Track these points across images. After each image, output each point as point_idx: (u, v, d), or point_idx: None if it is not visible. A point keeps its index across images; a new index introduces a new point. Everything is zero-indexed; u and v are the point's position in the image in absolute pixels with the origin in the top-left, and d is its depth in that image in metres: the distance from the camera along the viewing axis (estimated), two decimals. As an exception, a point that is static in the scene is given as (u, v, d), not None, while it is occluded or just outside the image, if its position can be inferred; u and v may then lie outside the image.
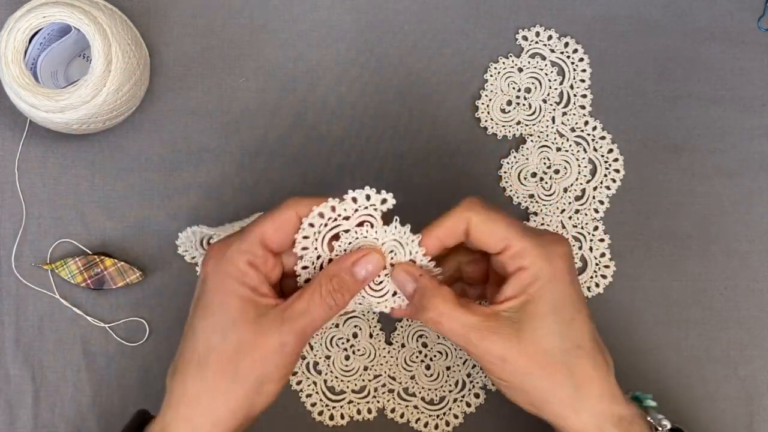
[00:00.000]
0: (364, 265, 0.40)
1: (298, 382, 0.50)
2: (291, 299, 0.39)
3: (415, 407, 0.50)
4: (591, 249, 0.51)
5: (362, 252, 0.40)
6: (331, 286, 0.39)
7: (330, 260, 0.42)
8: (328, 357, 0.50)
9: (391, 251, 0.42)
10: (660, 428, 0.40)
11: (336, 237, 0.41)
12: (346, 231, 0.41)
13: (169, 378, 0.39)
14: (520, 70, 0.52)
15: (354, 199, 0.40)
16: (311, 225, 0.40)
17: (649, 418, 0.40)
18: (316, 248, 0.41)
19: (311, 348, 0.50)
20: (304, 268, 0.42)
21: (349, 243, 0.41)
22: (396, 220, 0.41)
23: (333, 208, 0.40)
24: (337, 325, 0.50)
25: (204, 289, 0.39)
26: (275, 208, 0.40)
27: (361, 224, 0.41)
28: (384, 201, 0.40)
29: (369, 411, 0.50)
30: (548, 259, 0.39)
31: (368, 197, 0.40)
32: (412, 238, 0.41)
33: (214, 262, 0.39)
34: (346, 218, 0.41)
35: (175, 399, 0.38)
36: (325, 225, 0.41)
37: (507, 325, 0.38)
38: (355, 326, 0.51)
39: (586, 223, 0.51)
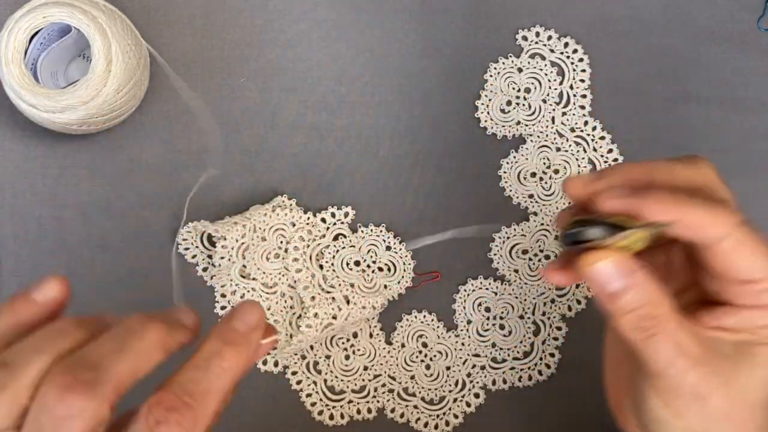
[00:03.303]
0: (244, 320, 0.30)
1: (298, 382, 0.50)
2: None
3: (415, 407, 0.50)
4: (591, 249, 0.51)
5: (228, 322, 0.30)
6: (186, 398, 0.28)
7: (324, 277, 0.49)
8: (328, 357, 0.50)
9: (369, 249, 0.48)
10: None
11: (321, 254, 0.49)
12: (327, 247, 0.50)
13: None
14: (520, 70, 0.52)
15: (323, 220, 0.50)
16: (296, 248, 0.49)
17: None
18: (308, 268, 0.49)
19: (311, 348, 0.50)
20: (305, 288, 0.48)
21: (333, 257, 0.49)
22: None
23: (309, 231, 0.49)
24: (337, 325, 0.51)
25: None
26: (129, 342, 0.27)
27: (336, 238, 0.50)
28: (347, 214, 0.50)
29: (369, 411, 0.50)
30: None
31: (333, 215, 0.50)
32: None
33: None
34: (322, 236, 0.50)
35: None
36: (308, 246, 0.49)
37: (721, 361, 0.31)
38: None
39: (586, 223, 0.51)
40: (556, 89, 0.52)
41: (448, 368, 0.51)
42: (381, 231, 0.51)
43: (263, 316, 0.31)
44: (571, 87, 0.52)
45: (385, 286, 0.50)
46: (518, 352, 0.51)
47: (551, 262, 0.35)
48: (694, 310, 0.33)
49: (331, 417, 0.50)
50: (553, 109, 0.52)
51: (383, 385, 0.50)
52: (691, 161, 0.34)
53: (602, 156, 0.52)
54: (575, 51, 0.52)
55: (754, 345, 0.32)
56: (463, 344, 0.51)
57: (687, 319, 0.32)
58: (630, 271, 0.30)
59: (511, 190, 0.52)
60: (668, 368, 0.31)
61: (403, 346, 0.51)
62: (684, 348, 0.31)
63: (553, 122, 0.52)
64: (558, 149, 0.52)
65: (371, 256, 0.50)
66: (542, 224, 0.51)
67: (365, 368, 0.50)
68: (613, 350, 0.38)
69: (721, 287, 0.32)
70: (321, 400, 0.50)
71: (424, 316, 0.51)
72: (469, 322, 0.51)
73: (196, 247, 0.50)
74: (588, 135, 0.52)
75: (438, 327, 0.51)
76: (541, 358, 0.50)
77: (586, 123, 0.52)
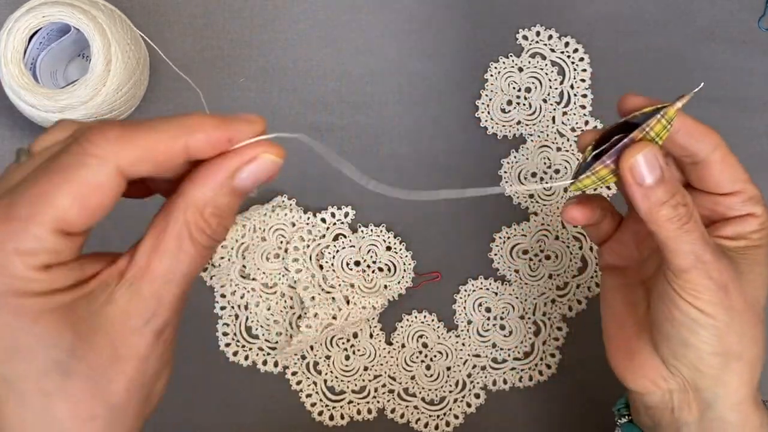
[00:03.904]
0: (251, 172, 0.27)
1: (298, 382, 0.50)
2: (142, 256, 0.26)
3: (415, 407, 0.50)
4: (591, 249, 0.51)
5: (240, 155, 0.27)
6: (203, 222, 0.26)
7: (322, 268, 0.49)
8: (328, 357, 0.50)
9: (369, 249, 0.47)
10: None
11: (320, 255, 0.50)
12: (327, 247, 0.50)
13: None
14: (521, 69, 0.52)
15: (323, 220, 0.50)
16: (296, 248, 0.49)
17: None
18: (308, 268, 0.49)
19: (311, 348, 0.50)
20: (305, 288, 0.48)
21: (333, 257, 0.50)
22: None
23: (309, 231, 0.49)
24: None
25: None
26: (72, 162, 0.24)
27: (336, 238, 0.50)
28: (347, 214, 0.50)
29: (369, 411, 0.50)
30: None
31: (333, 215, 0.50)
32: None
33: None
34: (322, 236, 0.50)
35: None
36: (308, 246, 0.49)
37: (729, 258, 0.35)
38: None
39: (587, 223, 0.51)
40: (556, 89, 0.52)
41: (448, 368, 0.51)
42: (381, 231, 0.51)
43: (260, 130, 0.27)
44: (572, 86, 0.52)
45: (385, 286, 0.50)
46: (519, 353, 0.51)
47: (567, 201, 0.37)
48: None
49: (331, 417, 0.50)
50: (554, 109, 0.52)
51: (383, 386, 0.50)
52: None
53: (602, 156, 0.52)
54: (576, 50, 0.52)
55: (750, 248, 0.36)
56: (463, 344, 0.50)
57: None
58: (663, 162, 0.33)
59: (511, 190, 0.51)
60: (697, 260, 0.33)
61: (403, 346, 0.51)
62: (707, 239, 0.33)
63: (554, 122, 0.52)
64: (559, 149, 0.52)
65: (371, 257, 0.50)
66: (543, 224, 0.51)
67: (365, 368, 0.50)
68: (615, 303, 0.40)
69: (714, 205, 0.36)
70: (321, 400, 0.50)
71: (425, 317, 0.51)
72: (469, 322, 0.51)
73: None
74: (588, 135, 0.52)
75: (438, 327, 0.51)
76: (541, 359, 0.50)
77: (587, 123, 0.52)
